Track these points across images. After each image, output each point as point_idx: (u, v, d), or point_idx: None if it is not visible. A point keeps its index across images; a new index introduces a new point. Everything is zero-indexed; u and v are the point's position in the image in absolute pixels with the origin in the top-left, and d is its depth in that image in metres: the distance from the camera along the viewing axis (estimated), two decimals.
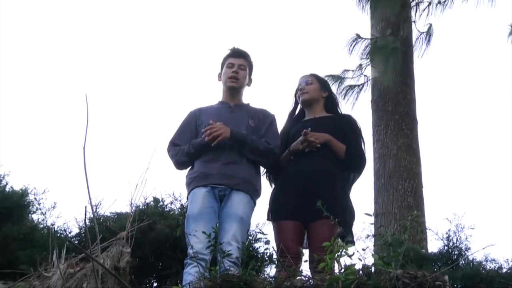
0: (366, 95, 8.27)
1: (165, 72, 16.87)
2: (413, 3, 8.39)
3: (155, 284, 5.24)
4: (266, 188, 4.91)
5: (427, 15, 8.41)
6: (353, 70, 8.34)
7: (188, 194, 4.64)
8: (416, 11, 8.41)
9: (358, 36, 8.14)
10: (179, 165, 4.76)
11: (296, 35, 18.38)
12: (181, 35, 18.06)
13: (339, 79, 8.27)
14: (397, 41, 7.87)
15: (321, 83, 5.09)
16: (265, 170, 4.89)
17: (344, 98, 8.21)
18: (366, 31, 8.39)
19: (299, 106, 5.12)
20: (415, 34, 8.32)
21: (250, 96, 5.07)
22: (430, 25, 8.25)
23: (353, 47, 8.17)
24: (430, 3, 8.47)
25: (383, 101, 7.87)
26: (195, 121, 4.80)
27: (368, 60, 8.16)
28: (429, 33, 8.20)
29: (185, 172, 4.76)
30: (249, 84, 4.96)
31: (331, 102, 5.08)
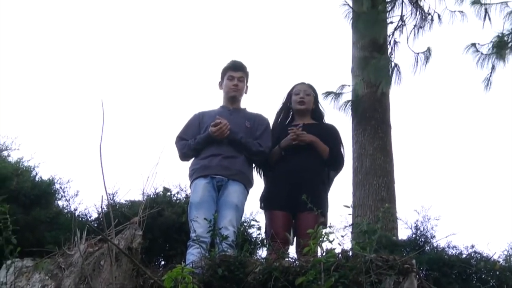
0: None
1: (173, 80, 16.76)
2: (393, 25, 8.32)
3: (162, 263, 5.22)
4: (258, 180, 4.95)
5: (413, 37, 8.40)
6: (348, 85, 8.24)
7: (191, 184, 4.68)
8: (400, 34, 8.35)
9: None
10: (184, 157, 4.80)
11: (287, 47, 18.28)
12: (189, 47, 17.96)
13: (336, 94, 8.17)
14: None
15: (315, 95, 5.10)
16: (255, 165, 4.92)
17: (343, 110, 8.07)
18: (348, 45, 8.41)
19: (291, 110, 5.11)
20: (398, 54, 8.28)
21: (247, 102, 5.11)
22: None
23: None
24: (415, 26, 8.38)
25: (362, 108, 7.88)
26: (198, 122, 4.86)
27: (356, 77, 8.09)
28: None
29: (188, 164, 4.80)
30: (246, 91, 4.99)
31: (318, 112, 5.09)
